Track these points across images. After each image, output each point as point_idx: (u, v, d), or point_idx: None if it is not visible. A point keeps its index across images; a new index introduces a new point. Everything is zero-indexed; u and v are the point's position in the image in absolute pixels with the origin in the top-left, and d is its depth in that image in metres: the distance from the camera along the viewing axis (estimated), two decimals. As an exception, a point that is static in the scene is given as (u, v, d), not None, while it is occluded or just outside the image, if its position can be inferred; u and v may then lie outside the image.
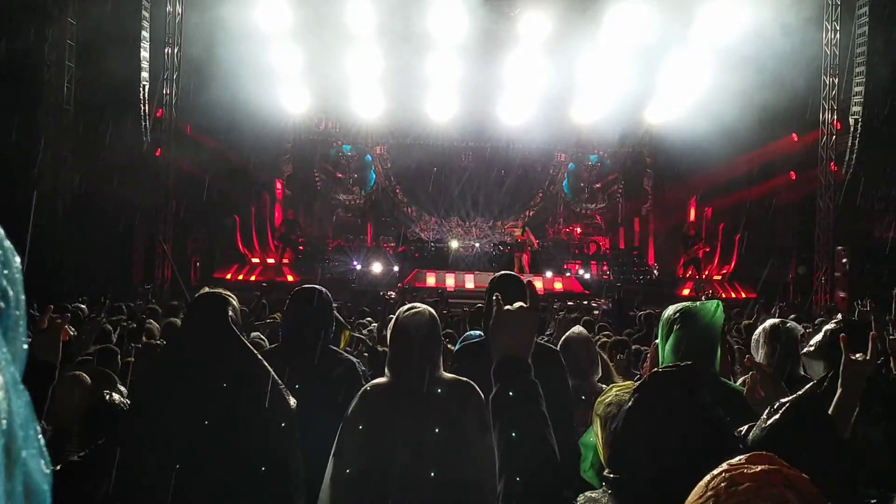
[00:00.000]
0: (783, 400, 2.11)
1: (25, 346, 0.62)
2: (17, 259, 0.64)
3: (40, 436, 0.61)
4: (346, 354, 3.78)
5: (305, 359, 3.42)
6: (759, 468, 1.12)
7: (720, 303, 2.85)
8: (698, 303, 2.88)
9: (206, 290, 2.81)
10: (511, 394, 1.72)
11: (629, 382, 2.25)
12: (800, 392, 2.34)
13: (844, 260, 16.45)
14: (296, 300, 3.68)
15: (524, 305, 1.89)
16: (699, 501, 1.14)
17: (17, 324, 0.61)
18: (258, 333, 5.70)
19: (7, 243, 0.65)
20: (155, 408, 2.54)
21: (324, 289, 3.74)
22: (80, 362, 4.69)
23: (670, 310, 2.92)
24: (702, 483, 1.16)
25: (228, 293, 2.74)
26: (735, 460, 1.16)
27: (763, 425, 1.99)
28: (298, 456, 2.64)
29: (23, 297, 0.63)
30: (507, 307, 1.88)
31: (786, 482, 1.11)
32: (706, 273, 19.45)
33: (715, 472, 1.16)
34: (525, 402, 1.73)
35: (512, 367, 1.77)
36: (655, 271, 21.80)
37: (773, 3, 16.43)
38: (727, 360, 3.74)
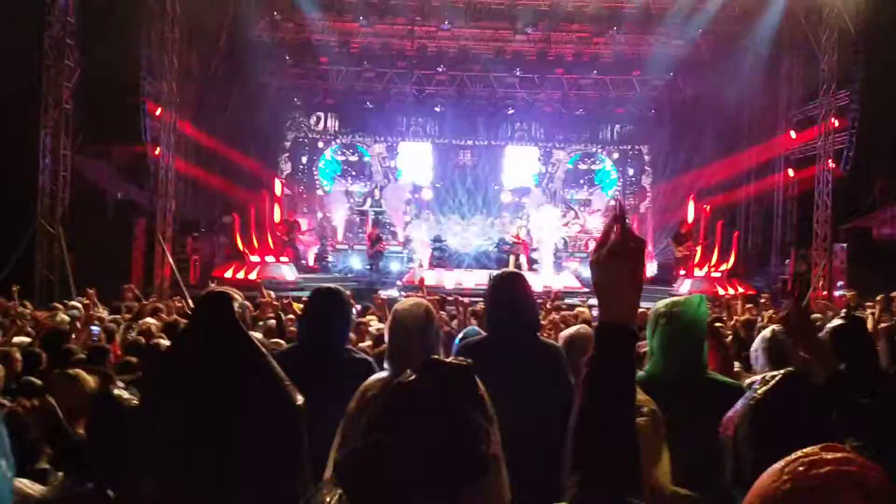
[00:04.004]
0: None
1: None
2: None
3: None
4: (361, 354, 3.81)
5: (324, 360, 3.46)
6: (839, 455, 1.15)
7: (703, 297, 2.89)
8: (682, 298, 2.92)
9: (212, 287, 2.86)
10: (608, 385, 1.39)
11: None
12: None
13: (843, 257, 16.45)
14: (315, 301, 3.70)
15: (630, 242, 1.41)
16: (775, 485, 1.15)
17: None
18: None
19: None
20: (160, 405, 2.57)
21: (342, 289, 3.78)
22: (75, 362, 4.72)
23: (658, 305, 2.96)
24: (776, 468, 1.17)
25: (234, 290, 2.79)
26: (810, 449, 1.17)
27: None
28: (307, 452, 2.67)
29: None
30: (625, 235, 1.42)
31: (863, 469, 1.14)
32: (705, 270, 19.44)
33: (790, 458, 1.17)
34: (615, 402, 1.38)
35: (619, 339, 1.40)
36: (654, 269, 21.82)
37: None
38: (721, 355, 3.78)
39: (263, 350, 2.72)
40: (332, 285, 3.83)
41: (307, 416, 2.69)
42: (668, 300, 2.96)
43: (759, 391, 1.82)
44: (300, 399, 2.68)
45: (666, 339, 2.84)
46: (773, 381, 1.83)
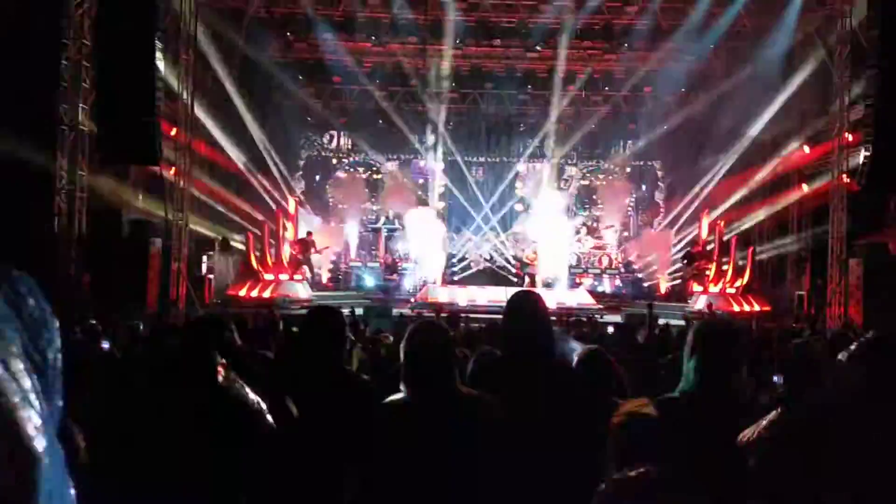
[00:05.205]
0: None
1: (61, 404, 0.63)
2: (56, 322, 0.64)
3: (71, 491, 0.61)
4: (360, 376, 3.80)
5: (319, 380, 3.45)
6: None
7: (739, 322, 2.89)
8: (717, 320, 2.92)
9: (200, 313, 2.94)
10: None
11: (641, 400, 2.27)
12: None
13: (858, 273, 16.33)
14: (310, 321, 3.69)
15: None
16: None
17: (53, 385, 0.61)
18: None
19: (45, 303, 0.64)
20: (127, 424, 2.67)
21: (340, 309, 3.77)
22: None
23: (695, 326, 2.95)
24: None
25: (222, 317, 2.85)
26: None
27: None
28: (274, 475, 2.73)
29: (59, 357, 0.63)
30: None
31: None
32: (721, 287, 19.34)
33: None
34: None
35: None
36: (667, 285, 21.76)
37: (788, 15, 16.51)
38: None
39: (237, 379, 2.76)
40: (328, 304, 3.84)
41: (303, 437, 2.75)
42: (704, 321, 2.96)
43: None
44: (272, 423, 2.74)
45: (700, 360, 2.82)
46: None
